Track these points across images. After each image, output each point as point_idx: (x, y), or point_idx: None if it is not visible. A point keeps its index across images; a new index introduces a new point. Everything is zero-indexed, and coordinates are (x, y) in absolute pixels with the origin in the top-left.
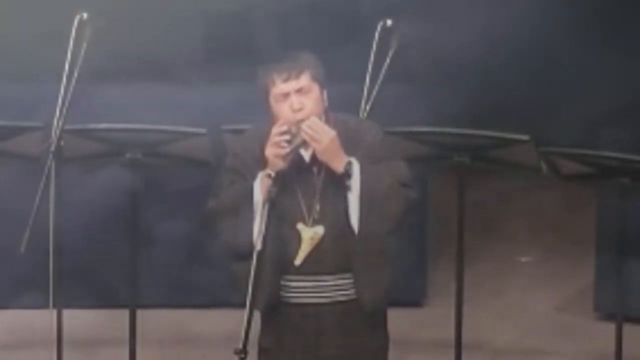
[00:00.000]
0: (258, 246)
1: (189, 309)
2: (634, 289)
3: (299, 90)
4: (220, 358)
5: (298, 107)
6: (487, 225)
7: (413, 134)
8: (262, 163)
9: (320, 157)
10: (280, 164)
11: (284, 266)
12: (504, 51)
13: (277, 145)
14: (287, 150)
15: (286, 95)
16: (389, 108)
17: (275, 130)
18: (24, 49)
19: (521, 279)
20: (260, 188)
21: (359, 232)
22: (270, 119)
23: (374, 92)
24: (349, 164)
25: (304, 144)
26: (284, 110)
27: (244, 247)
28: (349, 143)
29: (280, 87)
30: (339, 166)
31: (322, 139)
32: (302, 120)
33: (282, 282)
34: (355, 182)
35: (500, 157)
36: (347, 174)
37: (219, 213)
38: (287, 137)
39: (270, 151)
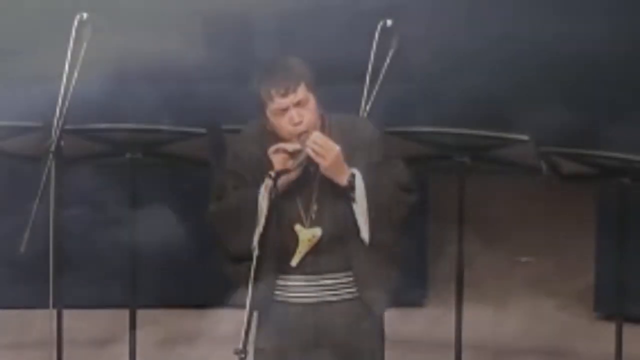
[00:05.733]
0: (257, 248)
1: (189, 309)
2: (634, 289)
3: (297, 104)
4: (220, 358)
5: (298, 121)
6: (487, 225)
7: (413, 134)
8: (263, 164)
9: (324, 172)
10: (288, 176)
11: (281, 267)
12: (505, 50)
13: (283, 160)
14: (294, 165)
15: (285, 109)
16: (389, 108)
17: (279, 146)
18: (24, 49)
19: (521, 279)
20: (265, 193)
21: (369, 242)
22: (267, 128)
23: (374, 92)
24: (352, 176)
25: (308, 159)
26: (282, 124)
27: (244, 251)
28: (346, 145)
29: (278, 102)
30: (342, 180)
31: (328, 155)
32: (303, 133)
33: (280, 282)
34: (359, 193)
35: (500, 157)
36: (351, 187)
37: (222, 217)
38: (296, 146)
39: (277, 165)
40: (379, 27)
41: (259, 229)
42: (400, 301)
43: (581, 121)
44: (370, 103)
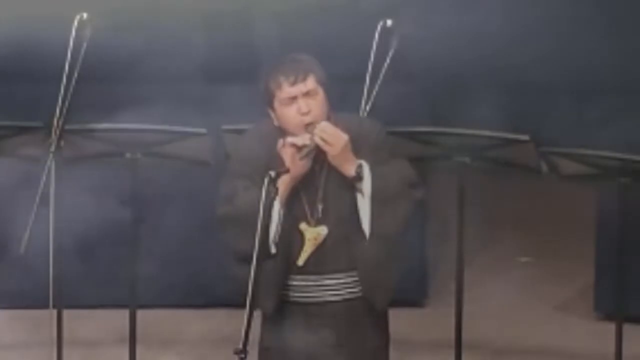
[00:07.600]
0: (272, 249)
1: (189, 309)
2: (634, 289)
3: (306, 94)
4: (220, 358)
5: (306, 111)
6: (487, 225)
7: (413, 134)
8: (272, 163)
9: (332, 161)
10: (299, 168)
11: (288, 267)
12: (503, 50)
13: (292, 154)
14: (303, 155)
15: (293, 98)
16: (389, 108)
17: (287, 140)
18: (24, 48)
19: (521, 279)
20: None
21: (370, 235)
22: (273, 121)
23: (374, 92)
24: (360, 166)
25: (317, 148)
26: (290, 114)
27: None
28: (353, 142)
29: (287, 90)
30: (350, 170)
31: (336, 143)
32: (310, 124)
33: (286, 282)
34: (366, 185)
35: (500, 157)
36: (359, 177)
37: (234, 219)
38: (305, 140)
39: (286, 159)
40: (379, 27)
41: (272, 229)
42: (400, 301)
43: (578, 122)
44: (370, 103)
